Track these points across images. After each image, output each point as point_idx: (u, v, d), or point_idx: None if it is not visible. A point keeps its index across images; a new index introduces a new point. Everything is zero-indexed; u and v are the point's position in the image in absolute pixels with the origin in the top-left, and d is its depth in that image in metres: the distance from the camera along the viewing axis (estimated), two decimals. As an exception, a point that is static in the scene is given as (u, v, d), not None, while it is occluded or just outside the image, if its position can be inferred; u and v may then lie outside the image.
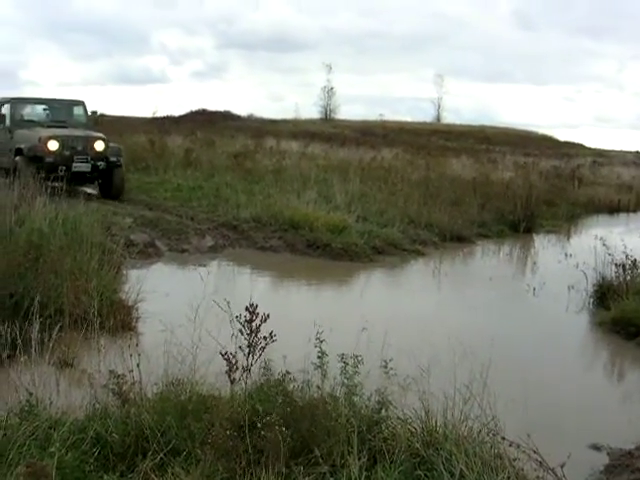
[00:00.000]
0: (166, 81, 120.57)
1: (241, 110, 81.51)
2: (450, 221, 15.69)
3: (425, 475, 3.94)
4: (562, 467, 3.87)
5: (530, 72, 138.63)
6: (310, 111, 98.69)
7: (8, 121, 17.03)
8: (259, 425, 3.92)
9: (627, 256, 10.38)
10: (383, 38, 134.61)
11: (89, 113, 18.73)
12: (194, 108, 65.64)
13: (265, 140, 31.01)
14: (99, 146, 16.12)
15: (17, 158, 15.69)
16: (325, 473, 3.87)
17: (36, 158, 15.28)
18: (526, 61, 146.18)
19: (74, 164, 15.77)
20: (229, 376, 4.32)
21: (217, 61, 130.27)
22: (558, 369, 7.36)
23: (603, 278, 10.41)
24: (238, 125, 48.83)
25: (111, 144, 16.61)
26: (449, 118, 79.65)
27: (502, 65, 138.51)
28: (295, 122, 60.11)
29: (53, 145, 15.54)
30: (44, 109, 17.93)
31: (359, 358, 4.49)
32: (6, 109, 17.47)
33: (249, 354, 4.43)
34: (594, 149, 59.93)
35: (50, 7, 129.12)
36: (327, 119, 71.72)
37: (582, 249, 12.80)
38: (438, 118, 79.53)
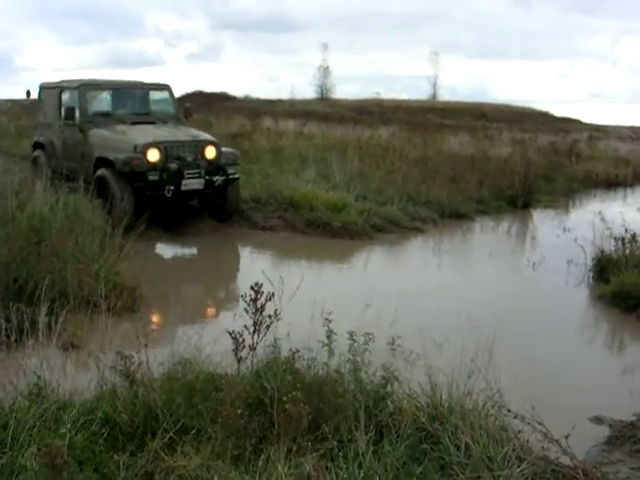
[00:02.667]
0: (161, 64, 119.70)
1: (237, 91, 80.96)
2: (449, 198, 15.69)
3: (431, 449, 4.00)
4: (567, 438, 3.92)
5: (524, 49, 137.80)
6: (306, 91, 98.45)
7: (78, 115, 12.63)
8: (284, 400, 3.95)
9: (626, 230, 10.42)
10: (378, 17, 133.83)
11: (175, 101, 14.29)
12: (190, 90, 65.38)
13: (262, 120, 30.93)
14: (210, 153, 12.03)
15: (101, 172, 11.59)
16: (333, 448, 3.92)
17: (134, 175, 11.30)
18: (520, 38, 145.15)
19: (184, 181, 11.65)
20: (236, 355, 4.36)
21: (212, 43, 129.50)
22: (559, 342, 7.41)
23: (602, 252, 10.44)
24: (235, 106, 48.55)
25: (224, 148, 12.51)
26: (445, 95, 79.01)
27: (497, 42, 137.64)
28: (291, 102, 59.80)
29: (154, 155, 11.39)
30: (121, 97, 13.50)
31: (370, 336, 4.54)
32: (72, 98, 13.09)
33: (254, 332, 4.47)
34: (590, 124, 59.74)
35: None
36: (323, 98, 71.29)
37: (580, 223, 12.86)
38: (434, 96, 79.02)
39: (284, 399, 3.91)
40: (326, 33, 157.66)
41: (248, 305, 4.43)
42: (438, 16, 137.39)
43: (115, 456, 3.91)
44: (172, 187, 11.43)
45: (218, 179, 11.94)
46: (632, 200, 20.83)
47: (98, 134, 12.33)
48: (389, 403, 4.27)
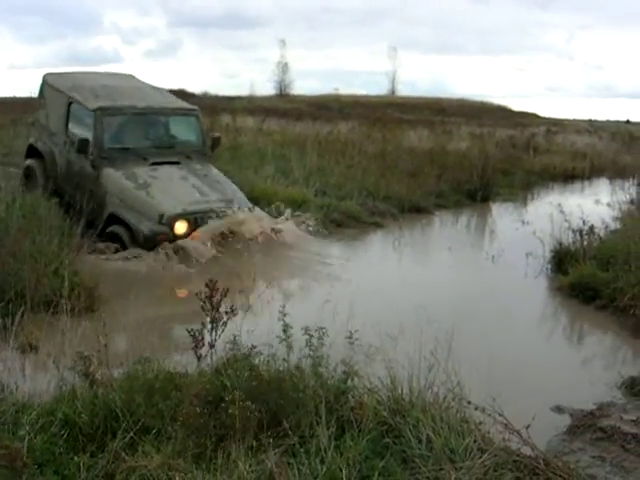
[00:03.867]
0: (119, 61, 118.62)
1: (196, 88, 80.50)
2: (408, 192, 15.75)
3: (393, 442, 4.01)
4: (527, 428, 3.96)
5: (482, 44, 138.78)
6: (265, 87, 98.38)
7: (92, 148, 10.43)
8: (226, 401, 3.94)
9: (584, 222, 10.54)
10: (336, 13, 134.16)
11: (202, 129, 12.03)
12: (148, 87, 64.86)
13: (221, 117, 30.78)
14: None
15: (117, 229, 9.98)
16: (294, 444, 3.91)
17: (155, 245, 9.66)
18: (478, 33, 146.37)
19: None
20: (195, 353, 4.34)
21: (170, 40, 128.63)
22: (519, 334, 7.47)
23: (560, 244, 10.55)
24: (193, 103, 48.31)
25: None
26: (404, 91, 79.37)
27: (455, 37, 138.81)
28: (250, 98, 59.62)
29: (182, 228, 9.80)
30: (142, 124, 11.34)
31: (323, 330, 4.53)
32: (85, 122, 10.87)
33: (212, 330, 4.46)
34: (548, 118, 60.34)
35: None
36: (282, 95, 71.20)
37: (539, 216, 12.95)
38: (393, 91, 79.32)
39: (228, 399, 3.91)
40: (284, 29, 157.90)
41: (204, 302, 4.42)
42: (396, 12, 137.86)
43: (75, 457, 3.88)
44: None
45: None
46: (590, 192, 21.07)
47: (115, 180, 10.31)
48: (350, 398, 4.28)
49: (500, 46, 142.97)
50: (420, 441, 3.91)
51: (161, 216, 9.71)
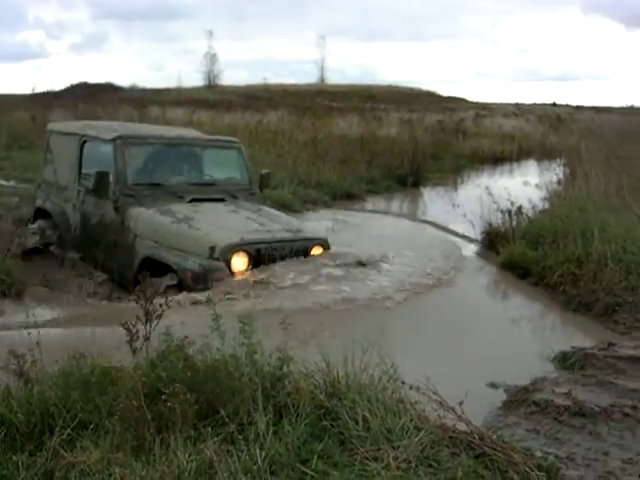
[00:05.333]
0: (44, 56, 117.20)
1: (123, 81, 79.73)
2: (339, 179, 15.91)
3: (331, 425, 4.05)
4: (460, 405, 4.04)
5: (410, 30, 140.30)
6: (194, 78, 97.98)
7: (114, 185, 8.56)
8: (164, 393, 3.94)
9: (512, 203, 10.77)
10: (263, 3, 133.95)
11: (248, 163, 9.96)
12: (75, 82, 64.04)
13: (150, 110, 30.53)
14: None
15: (149, 277, 6.60)
16: (233, 432, 3.93)
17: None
18: (405, 19, 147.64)
19: None
20: (130, 346, 4.33)
21: (95, 32, 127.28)
22: (452, 313, 7.54)
23: (490, 225, 10.76)
24: (121, 96, 47.72)
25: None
26: (333, 79, 79.73)
27: (382, 24, 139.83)
28: (179, 90, 59.22)
29: (241, 264, 7.71)
30: (173, 156, 9.41)
31: (253, 316, 4.55)
32: (103, 156, 8.99)
33: (146, 322, 4.45)
34: (476, 103, 61.27)
35: None
36: (211, 86, 70.77)
37: (469, 199, 13.17)
38: (322, 79, 79.50)
39: (166, 391, 3.91)
40: (212, 20, 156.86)
41: (137, 296, 4.41)
42: (323, 0, 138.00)
43: (14, 457, 3.83)
44: None
45: None
46: (518, 174, 21.45)
47: (145, 219, 8.31)
48: (286, 383, 4.31)
49: (427, 32, 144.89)
50: (357, 422, 3.95)
51: (212, 249, 7.57)
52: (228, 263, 7.50)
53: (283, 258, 7.83)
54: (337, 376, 4.34)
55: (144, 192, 8.59)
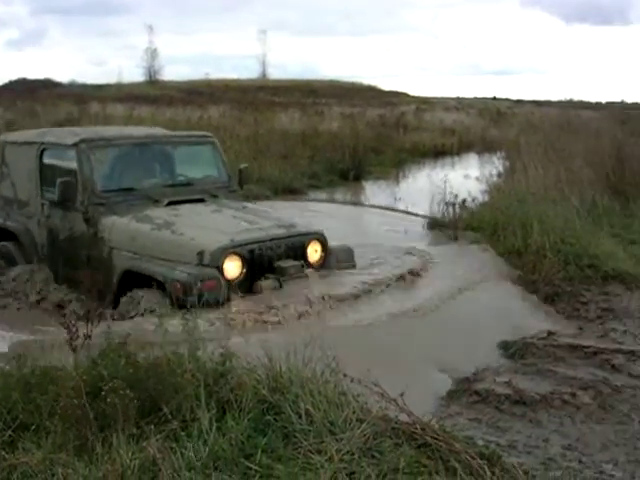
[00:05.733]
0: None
1: (62, 77, 78.66)
2: (281, 174, 15.90)
3: (274, 419, 4.06)
4: (402, 396, 4.08)
5: (351, 25, 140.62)
6: (134, 74, 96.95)
7: (81, 194, 7.67)
8: (104, 390, 3.92)
9: (456, 196, 10.89)
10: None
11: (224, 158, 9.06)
12: (13, 78, 63.06)
13: (90, 106, 30.18)
14: (314, 254, 7.68)
15: (136, 293, 6.88)
16: (176, 429, 3.93)
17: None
18: (347, 14, 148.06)
19: None
20: (70, 345, 4.29)
21: (34, 28, 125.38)
22: (396, 303, 7.49)
23: (432, 218, 10.87)
24: (60, 92, 47.10)
25: (334, 243, 8.02)
26: (275, 74, 79.75)
27: (324, 19, 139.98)
28: (119, 86, 58.63)
29: (235, 269, 6.94)
30: (142, 158, 8.49)
31: (196, 312, 4.55)
32: (66, 163, 8.11)
33: (88, 321, 4.42)
34: (417, 97, 61.66)
35: None
36: (152, 81, 70.12)
37: (411, 193, 13.28)
38: (264, 74, 79.38)
39: (106, 388, 3.89)
40: (152, 15, 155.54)
41: (79, 294, 4.39)
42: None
43: (-44, 461, 3.79)
44: None
45: None
46: (459, 167, 21.66)
47: (121, 228, 7.46)
48: (229, 379, 4.32)
49: (368, 27, 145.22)
50: (300, 416, 3.98)
51: (201, 255, 6.78)
52: (220, 269, 6.72)
53: (279, 257, 7.17)
54: (280, 370, 4.36)
55: (115, 199, 7.71)
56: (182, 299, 6.30)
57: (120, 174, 8.11)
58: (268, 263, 7.07)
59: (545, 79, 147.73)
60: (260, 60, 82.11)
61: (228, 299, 6.58)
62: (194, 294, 6.18)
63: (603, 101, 49.82)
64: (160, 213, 7.60)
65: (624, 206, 12.09)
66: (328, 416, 3.96)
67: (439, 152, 25.26)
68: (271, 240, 7.19)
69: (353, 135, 19.61)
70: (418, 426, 4.03)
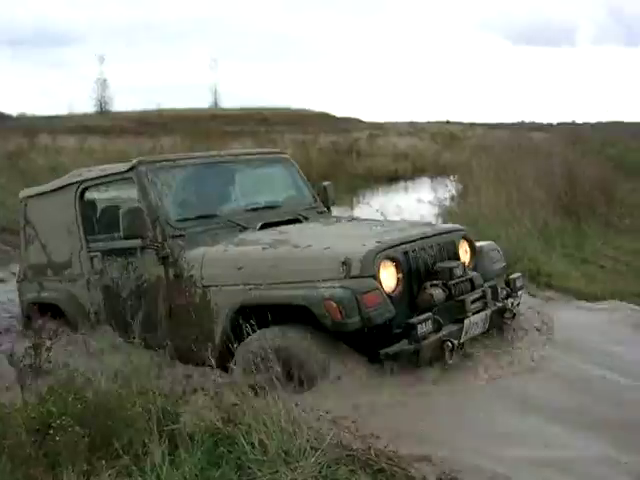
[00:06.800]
0: None
1: (11, 109, 77.84)
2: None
3: (228, 451, 4.04)
4: (354, 423, 4.08)
5: (300, 51, 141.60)
6: (85, 105, 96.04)
7: (152, 228, 6.11)
8: (53, 428, 3.86)
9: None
10: (154, 27, 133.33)
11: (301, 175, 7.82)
12: (-40, 111, 62.26)
13: (39, 138, 29.93)
14: (465, 255, 6.29)
15: (266, 333, 5.18)
16: (128, 464, 3.87)
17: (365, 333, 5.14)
18: (295, 41, 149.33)
19: (467, 322, 5.53)
20: (18, 380, 4.23)
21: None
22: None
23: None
24: (9, 125, 46.65)
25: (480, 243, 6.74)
26: (227, 103, 79.88)
27: (274, 47, 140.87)
28: (70, 117, 58.22)
29: (391, 277, 5.38)
30: (217, 180, 7.09)
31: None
32: (124, 203, 6.70)
33: (35, 356, 4.36)
34: (370, 122, 62.12)
35: None
36: (103, 112, 69.77)
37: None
38: (216, 103, 79.40)
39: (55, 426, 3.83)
40: (103, 46, 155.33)
41: (24, 328, 4.32)
42: (214, 24, 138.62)
43: None
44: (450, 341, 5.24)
45: (509, 304, 6.12)
46: (412, 191, 21.82)
47: (216, 257, 5.93)
48: (181, 411, 4.29)
49: (318, 53, 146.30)
50: (254, 446, 3.96)
51: (346, 264, 5.18)
52: (377, 276, 5.24)
53: (434, 261, 5.72)
54: (232, 402, 4.33)
55: (195, 229, 6.26)
56: (340, 323, 4.97)
57: (193, 200, 6.78)
58: (424, 269, 5.63)
59: (497, 102, 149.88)
60: (212, 89, 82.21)
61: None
62: (355, 314, 4.95)
63: (554, 122, 50.54)
64: (261, 235, 6.18)
65: (576, 226, 12.27)
66: (282, 445, 3.95)
67: (393, 177, 25.46)
68: (421, 239, 5.76)
69: (306, 162, 19.67)
70: (373, 452, 4.02)
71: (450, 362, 5.21)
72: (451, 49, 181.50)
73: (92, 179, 6.95)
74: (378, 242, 5.43)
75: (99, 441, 3.98)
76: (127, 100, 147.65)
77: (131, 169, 6.41)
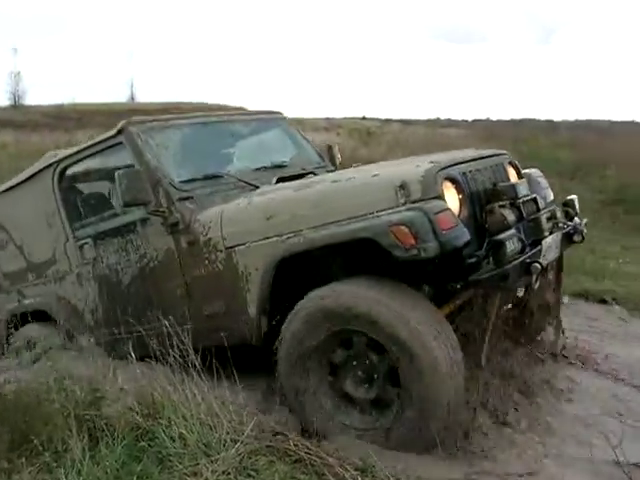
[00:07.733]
0: None
1: None
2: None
3: (149, 445, 4.07)
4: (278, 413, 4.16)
5: (220, 44, 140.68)
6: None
7: (165, 188, 5.29)
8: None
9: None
10: (69, 19, 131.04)
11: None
12: None
13: (-50, 133, 29.20)
14: (514, 178, 5.48)
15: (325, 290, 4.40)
16: (49, 460, 3.88)
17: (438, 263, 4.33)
18: (216, 32, 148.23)
19: (545, 244, 4.75)
20: None
21: None
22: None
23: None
24: None
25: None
26: (144, 97, 78.63)
27: (189, 41, 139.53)
28: (-19, 111, 56.82)
29: (453, 198, 4.54)
30: (209, 139, 6.26)
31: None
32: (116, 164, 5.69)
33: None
34: (290, 118, 62.06)
35: None
36: (17, 106, 68.20)
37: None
38: (132, 97, 78.36)
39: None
40: (16, 37, 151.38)
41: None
42: (131, 14, 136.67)
43: None
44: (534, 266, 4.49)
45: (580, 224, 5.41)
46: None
47: (237, 212, 5.12)
48: (101, 407, 4.30)
49: (238, 45, 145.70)
50: (174, 440, 4.00)
51: (403, 188, 4.41)
52: (440, 195, 4.44)
53: (494, 183, 5.00)
54: (152, 396, 4.36)
55: (204, 189, 5.47)
56: (416, 249, 4.14)
57: (195, 160, 5.93)
58: (484, 191, 4.88)
59: (412, 98, 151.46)
60: (128, 83, 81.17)
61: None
62: (431, 238, 4.13)
63: (470, 119, 51.24)
64: (284, 186, 5.33)
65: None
66: (202, 438, 4.00)
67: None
68: (474, 160, 5.05)
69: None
70: (292, 442, 4.10)
71: (536, 287, 4.83)
72: (367, 44, 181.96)
73: (70, 155, 6.16)
74: (432, 162, 4.64)
75: (18, 439, 3.98)
76: (41, 94, 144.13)
77: (120, 132, 5.62)
